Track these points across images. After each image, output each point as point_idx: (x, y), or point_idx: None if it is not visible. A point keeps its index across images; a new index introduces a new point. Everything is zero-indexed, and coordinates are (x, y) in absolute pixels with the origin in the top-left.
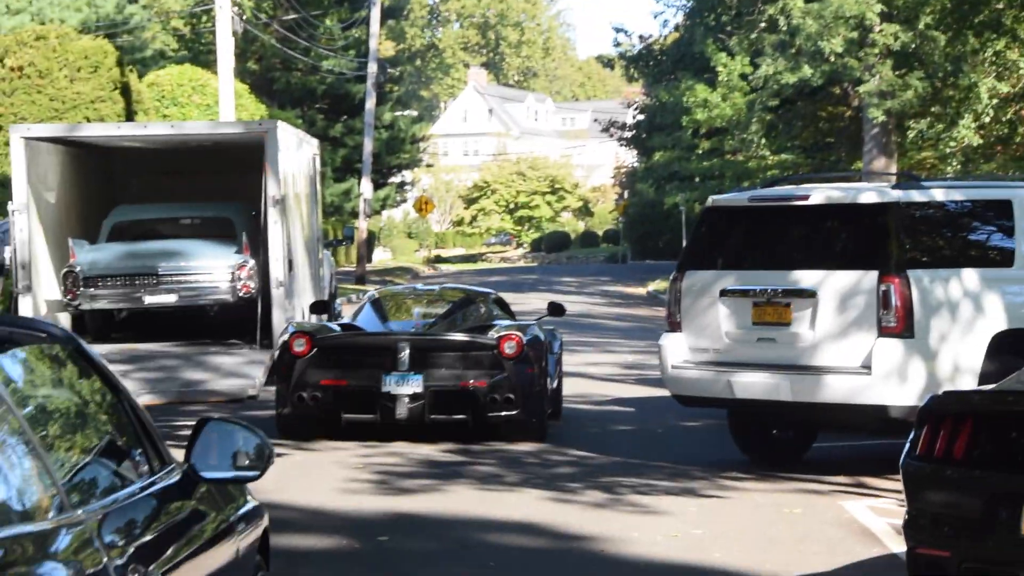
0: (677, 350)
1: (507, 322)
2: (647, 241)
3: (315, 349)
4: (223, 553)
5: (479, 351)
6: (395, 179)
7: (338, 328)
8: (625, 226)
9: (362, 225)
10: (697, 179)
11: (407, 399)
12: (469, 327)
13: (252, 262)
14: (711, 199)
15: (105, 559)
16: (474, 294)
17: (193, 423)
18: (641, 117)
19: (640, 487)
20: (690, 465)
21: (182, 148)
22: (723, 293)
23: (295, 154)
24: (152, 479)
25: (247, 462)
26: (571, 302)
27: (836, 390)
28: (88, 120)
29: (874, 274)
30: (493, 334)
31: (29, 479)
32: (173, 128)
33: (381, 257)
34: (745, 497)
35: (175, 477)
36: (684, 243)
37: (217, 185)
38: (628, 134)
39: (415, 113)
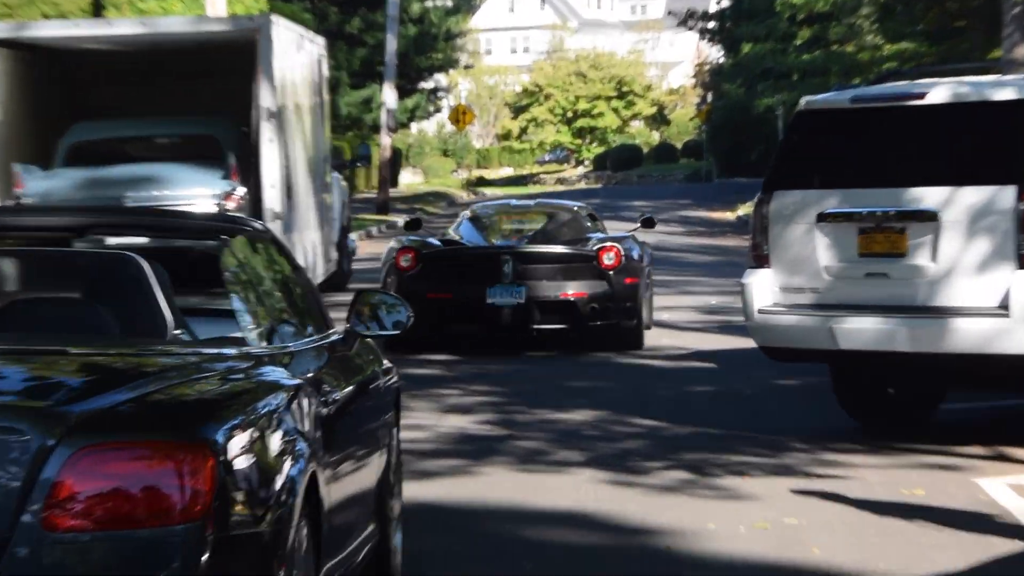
0: (764, 290)
1: (602, 234)
2: (736, 154)
3: (420, 264)
4: (376, 387)
5: (579, 262)
6: (426, 85)
7: (440, 243)
8: (709, 136)
9: (385, 141)
10: (795, 76)
11: (510, 311)
12: (567, 239)
13: (242, 190)
14: (804, 100)
15: (298, 375)
16: (567, 207)
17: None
18: (727, 2)
19: (720, 465)
20: (784, 435)
21: (156, 51)
22: (821, 218)
23: (295, 56)
24: (326, 333)
25: (391, 324)
26: (643, 232)
27: (966, 337)
28: (45, 17)
29: (1011, 191)
30: (592, 246)
31: (258, 320)
32: (144, 26)
33: (410, 180)
34: (853, 476)
35: (340, 334)
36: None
37: (199, 96)
38: (711, 24)
39: (450, 3)
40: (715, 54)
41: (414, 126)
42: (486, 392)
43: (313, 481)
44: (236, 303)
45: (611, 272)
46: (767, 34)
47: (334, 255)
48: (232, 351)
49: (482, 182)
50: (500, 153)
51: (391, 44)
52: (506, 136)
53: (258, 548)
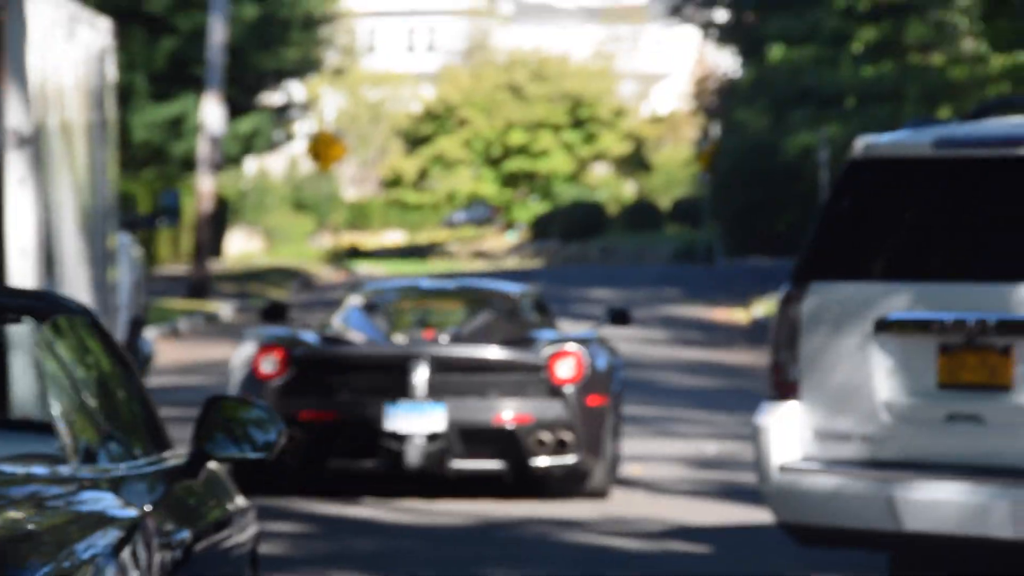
0: (791, 436)
1: (555, 333)
2: (753, 221)
3: (291, 369)
4: (229, 535)
5: (523, 373)
6: (272, 98)
7: (317, 340)
8: (713, 193)
9: (205, 187)
10: (850, 101)
11: (422, 440)
12: (504, 339)
13: None
14: (862, 143)
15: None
16: (504, 292)
17: None
18: None
19: None
20: None
21: None
22: (882, 326)
23: (63, 48)
24: (163, 455)
25: (254, 445)
26: (610, 331)
27: None
28: None
29: None
30: (541, 350)
31: (75, 433)
32: None
33: (243, 247)
34: None
35: (184, 457)
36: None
37: None
38: (721, 15)
39: None
40: (726, 63)
41: (251, 163)
42: None
43: None
44: (49, 409)
45: (568, 388)
46: (808, 33)
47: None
48: (44, 472)
49: (356, 253)
50: (386, 209)
51: (217, 33)
52: (395, 182)
53: None
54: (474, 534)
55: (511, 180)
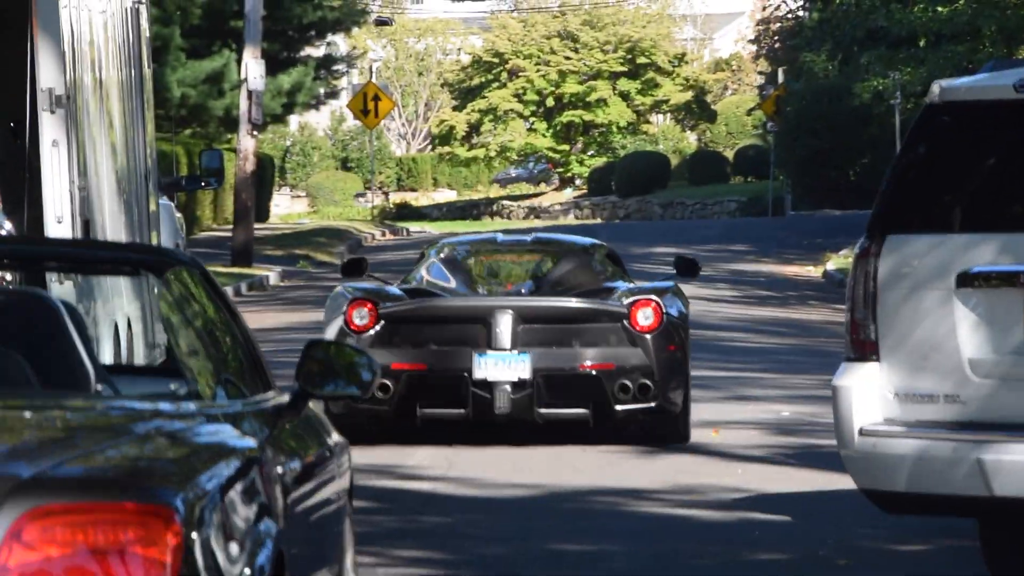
0: (871, 398)
1: (630, 284)
2: (824, 172)
3: (381, 321)
4: (331, 466)
5: (604, 322)
6: (314, 51)
7: (403, 294)
8: (779, 142)
9: (246, 146)
10: (923, 42)
11: (509, 387)
12: (583, 291)
13: (7, 226)
14: (938, 86)
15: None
16: (578, 245)
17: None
18: None
19: None
20: None
21: None
22: (965, 280)
23: (97, 2)
24: (268, 393)
25: (352, 384)
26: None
27: None
28: None
29: None
30: (621, 299)
31: (195, 375)
32: None
33: (287, 209)
34: None
35: (288, 394)
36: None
37: None
38: None
39: None
40: (790, 2)
41: (294, 120)
42: (414, 562)
43: (279, 562)
44: (173, 350)
45: (648, 336)
46: None
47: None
48: (177, 407)
49: (406, 213)
50: (435, 165)
51: None
52: (445, 138)
53: None
54: (541, 507)
55: (566, 132)
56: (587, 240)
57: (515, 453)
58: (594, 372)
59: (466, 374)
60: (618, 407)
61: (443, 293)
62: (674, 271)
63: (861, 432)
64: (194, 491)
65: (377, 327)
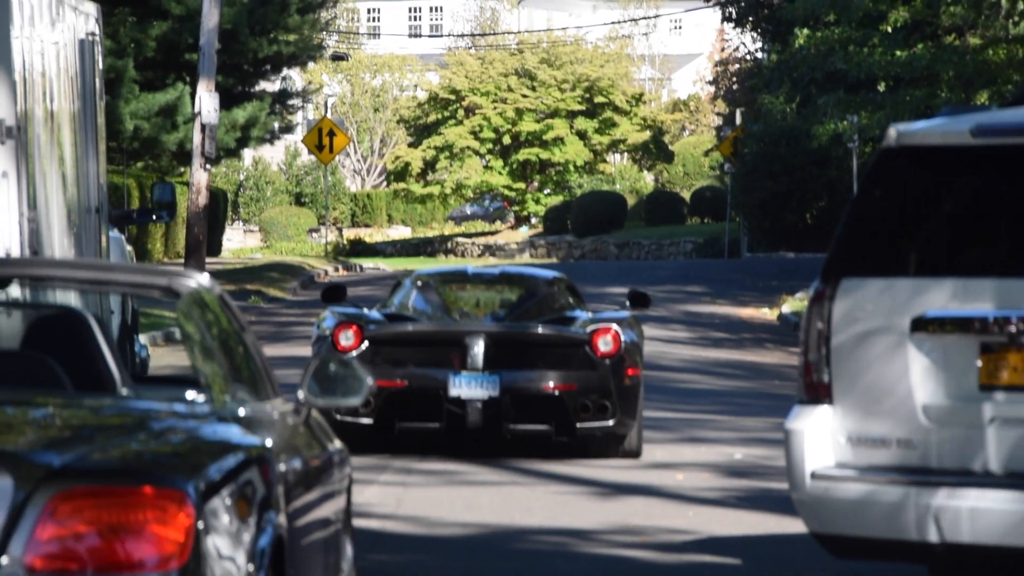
0: (823, 442)
1: (590, 314)
2: (780, 213)
3: (365, 342)
4: (330, 467)
5: (568, 347)
6: (269, 85)
7: (383, 318)
8: (737, 183)
9: (199, 179)
10: (882, 86)
11: (480, 404)
12: (548, 319)
13: None
14: (895, 130)
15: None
16: (543, 278)
17: None
18: None
19: None
20: None
21: None
22: (919, 325)
23: (48, 33)
24: (274, 401)
25: (349, 394)
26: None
27: None
28: None
29: None
30: (583, 327)
31: (210, 381)
32: None
33: (240, 243)
34: None
35: (292, 402)
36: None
37: None
38: None
39: None
40: (748, 44)
41: (248, 154)
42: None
43: (279, 546)
44: (190, 360)
45: (607, 360)
46: (837, 15)
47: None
48: (191, 407)
49: (360, 249)
50: (390, 202)
51: (210, 16)
52: (401, 174)
53: None
54: (491, 547)
55: (523, 170)
56: (550, 273)
57: (466, 492)
58: (557, 392)
59: (442, 392)
60: (578, 424)
61: (420, 318)
62: (628, 303)
63: (813, 476)
64: (204, 479)
65: (362, 347)
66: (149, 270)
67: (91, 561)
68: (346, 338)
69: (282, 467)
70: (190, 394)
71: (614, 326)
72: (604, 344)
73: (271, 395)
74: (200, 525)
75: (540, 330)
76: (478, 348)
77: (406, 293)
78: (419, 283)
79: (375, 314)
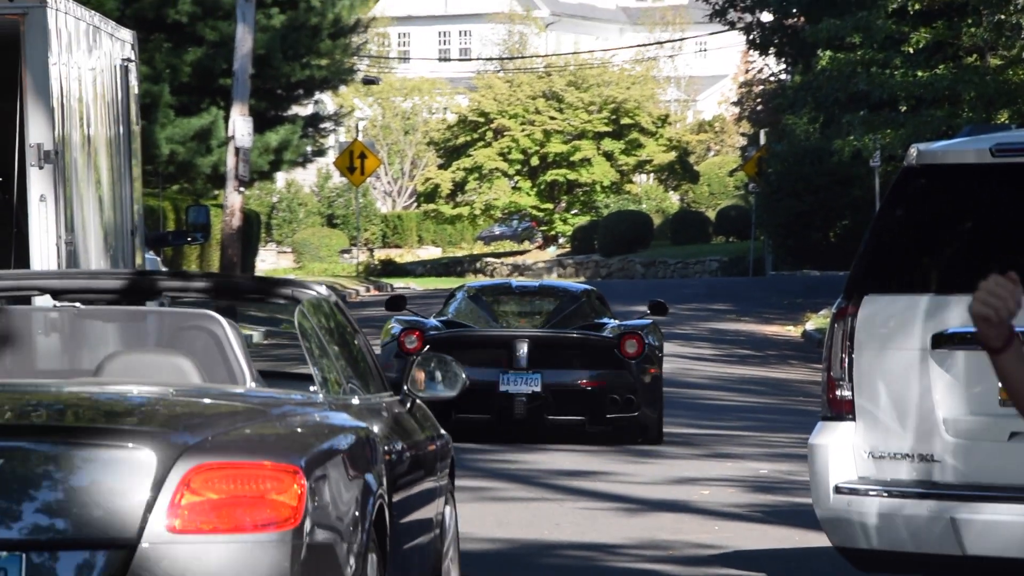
0: (846, 456)
1: (616, 321)
2: (804, 232)
3: (427, 345)
4: (431, 449)
5: (599, 350)
6: (301, 110)
7: (441, 324)
8: (761, 202)
9: (233, 201)
10: (904, 106)
11: (525, 399)
12: (581, 325)
13: None
14: (916, 149)
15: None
16: (575, 291)
17: None
18: None
19: None
20: None
21: None
22: (940, 341)
23: (87, 60)
24: (382, 393)
25: (447, 387)
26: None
27: None
28: None
29: None
30: (611, 333)
31: (325, 375)
32: None
33: (273, 264)
34: None
35: (398, 395)
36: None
37: None
38: (765, 17)
39: None
40: (772, 66)
41: (281, 177)
42: None
43: (381, 512)
44: (307, 358)
45: (633, 361)
46: (859, 36)
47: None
48: (307, 397)
49: (391, 269)
50: (420, 223)
51: (244, 42)
52: (431, 196)
53: (338, 556)
54: (519, 562)
55: (550, 191)
56: (582, 287)
57: (496, 508)
58: (590, 388)
59: (492, 387)
60: (608, 415)
61: (472, 325)
62: (648, 311)
63: (836, 490)
64: (315, 455)
65: (423, 349)
66: (272, 281)
67: (220, 523)
68: (410, 341)
69: (385, 447)
70: (307, 387)
71: (639, 332)
72: (630, 347)
73: (379, 388)
74: (310, 493)
75: (575, 335)
76: (523, 350)
77: (459, 303)
78: (470, 295)
79: (433, 321)
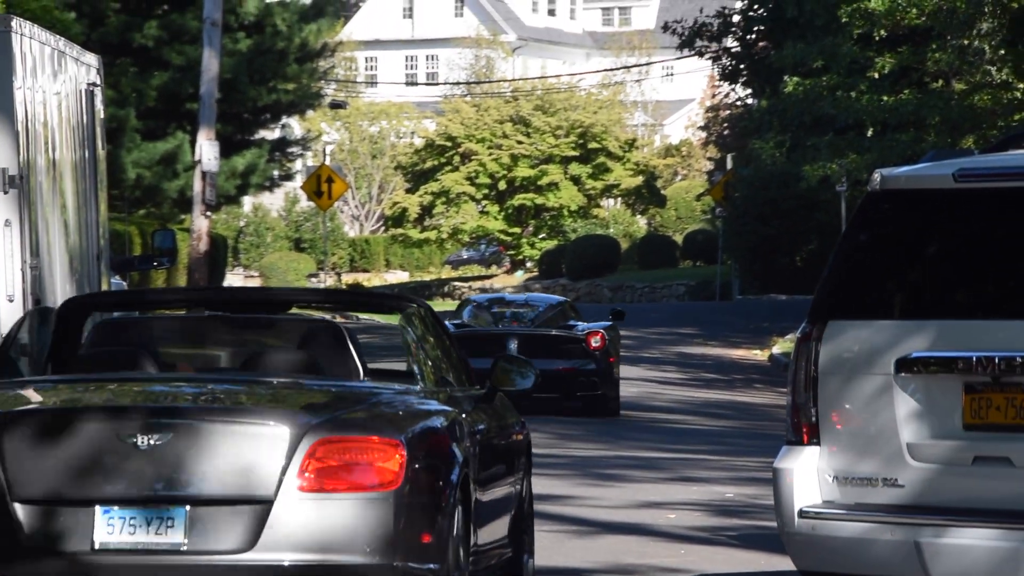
0: (810, 480)
1: (586, 324)
2: (770, 256)
3: None
4: (512, 433)
5: (571, 344)
6: (269, 133)
7: (453, 326)
8: (728, 226)
9: (200, 226)
10: (870, 130)
11: None
12: (559, 325)
13: None
14: (880, 174)
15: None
16: (555, 301)
17: None
18: (757, 9)
19: None
20: None
21: None
22: (904, 366)
23: (51, 84)
24: (471, 387)
25: (523, 383)
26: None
27: None
28: None
29: None
30: (580, 332)
31: (423, 369)
32: None
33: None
34: None
35: (484, 389)
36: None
37: None
38: (731, 44)
39: None
40: (739, 92)
41: (248, 201)
42: None
43: (466, 480)
44: (409, 357)
45: (596, 353)
46: (823, 61)
47: None
48: (407, 388)
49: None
50: (388, 247)
51: (210, 66)
52: (398, 220)
53: (430, 512)
54: None
55: (518, 215)
56: (559, 298)
57: None
58: (564, 372)
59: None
60: (578, 393)
61: (476, 326)
62: (611, 317)
63: (801, 514)
64: (413, 432)
65: None
66: (380, 294)
67: (337, 485)
68: None
69: (470, 428)
70: (407, 380)
71: (601, 330)
72: (595, 342)
73: (466, 382)
74: (409, 462)
75: (553, 332)
76: (513, 344)
77: (468, 310)
78: (473, 304)
79: (448, 324)
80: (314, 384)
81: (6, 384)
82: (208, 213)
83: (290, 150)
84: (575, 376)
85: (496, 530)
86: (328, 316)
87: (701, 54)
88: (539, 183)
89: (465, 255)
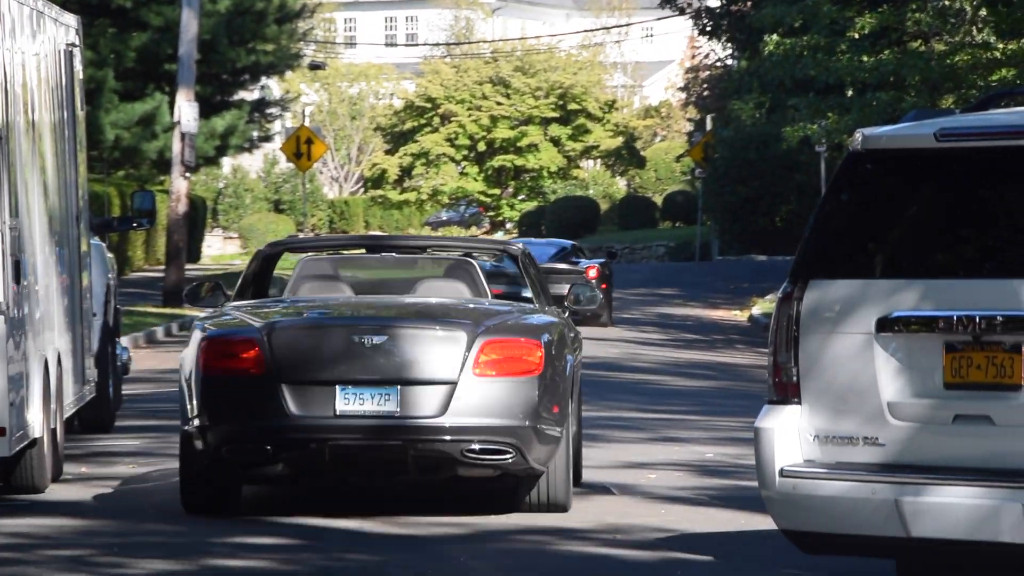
0: (791, 440)
1: (586, 260)
2: (750, 217)
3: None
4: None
5: (574, 274)
6: (247, 95)
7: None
8: (708, 187)
9: (179, 187)
10: (849, 91)
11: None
12: (567, 261)
13: None
14: (860, 134)
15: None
16: (567, 244)
17: None
18: None
19: None
20: None
21: None
22: (884, 325)
23: (29, 45)
24: (553, 309)
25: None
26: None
27: None
28: None
29: None
30: (580, 266)
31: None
32: None
33: (219, 250)
34: None
35: (563, 310)
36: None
37: None
38: (712, 2)
39: None
40: (719, 52)
41: (227, 163)
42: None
43: (574, 368)
44: (525, 285)
45: (593, 280)
46: (803, 21)
47: (92, 373)
48: (533, 307)
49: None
50: (367, 208)
51: (189, 26)
52: (377, 181)
53: (561, 389)
54: (467, 545)
55: (498, 177)
56: (569, 241)
57: (444, 490)
58: (567, 294)
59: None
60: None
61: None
62: (606, 256)
63: (782, 473)
64: (546, 334)
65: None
66: (493, 241)
67: (499, 371)
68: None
69: (572, 334)
70: (528, 304)
71: (597, 264)
72: (592, 272)
73: (552, 305)
74: (546, 356)
75: (560, 266)
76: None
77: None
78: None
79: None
80: (477, 304)
81: (267, 303)
82: (187, 174)
83: (269, 111)
84: (576, 295)
85: (574, 412)
86: (459, 256)
87: (682, 11)
88: (519, 144)
89: (444, 216)
